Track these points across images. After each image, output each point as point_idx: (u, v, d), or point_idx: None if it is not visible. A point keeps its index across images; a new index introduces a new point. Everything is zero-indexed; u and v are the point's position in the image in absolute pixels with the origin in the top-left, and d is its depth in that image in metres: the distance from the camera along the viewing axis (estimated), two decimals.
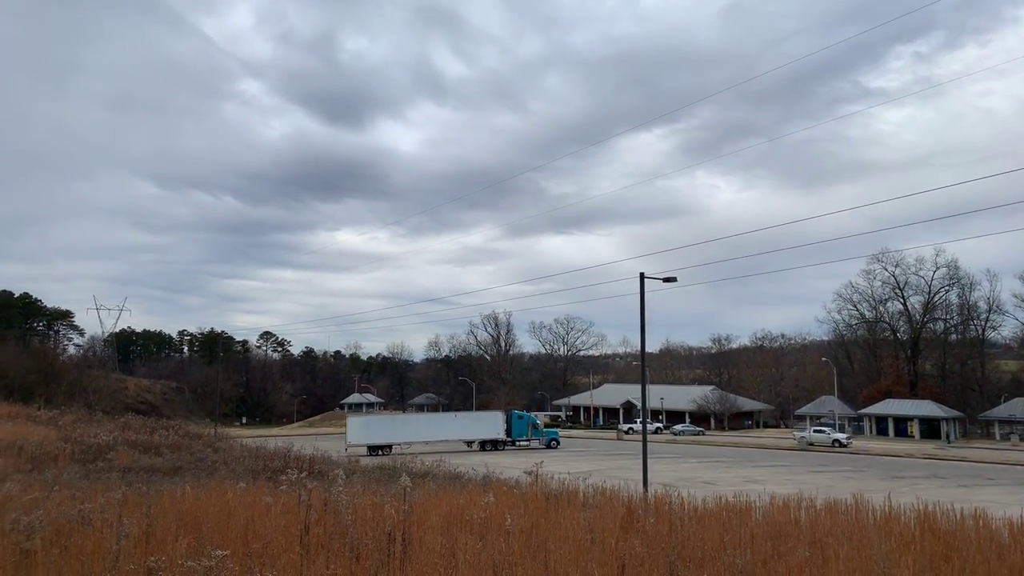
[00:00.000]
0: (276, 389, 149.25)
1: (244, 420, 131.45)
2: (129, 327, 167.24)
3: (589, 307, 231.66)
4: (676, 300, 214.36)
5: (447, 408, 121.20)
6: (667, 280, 31.51)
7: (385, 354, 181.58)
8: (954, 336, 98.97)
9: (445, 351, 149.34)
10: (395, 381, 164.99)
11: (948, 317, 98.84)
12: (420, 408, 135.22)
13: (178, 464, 27.60)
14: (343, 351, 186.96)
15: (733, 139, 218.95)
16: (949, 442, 61.95)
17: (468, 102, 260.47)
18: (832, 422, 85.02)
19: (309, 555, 9.53)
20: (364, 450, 55.22)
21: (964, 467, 49.72)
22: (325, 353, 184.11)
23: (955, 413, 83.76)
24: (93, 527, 10.64)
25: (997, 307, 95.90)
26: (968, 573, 7.91)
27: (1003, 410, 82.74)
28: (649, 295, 30.69)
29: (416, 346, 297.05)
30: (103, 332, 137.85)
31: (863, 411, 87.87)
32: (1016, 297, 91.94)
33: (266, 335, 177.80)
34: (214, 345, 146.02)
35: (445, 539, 9.75)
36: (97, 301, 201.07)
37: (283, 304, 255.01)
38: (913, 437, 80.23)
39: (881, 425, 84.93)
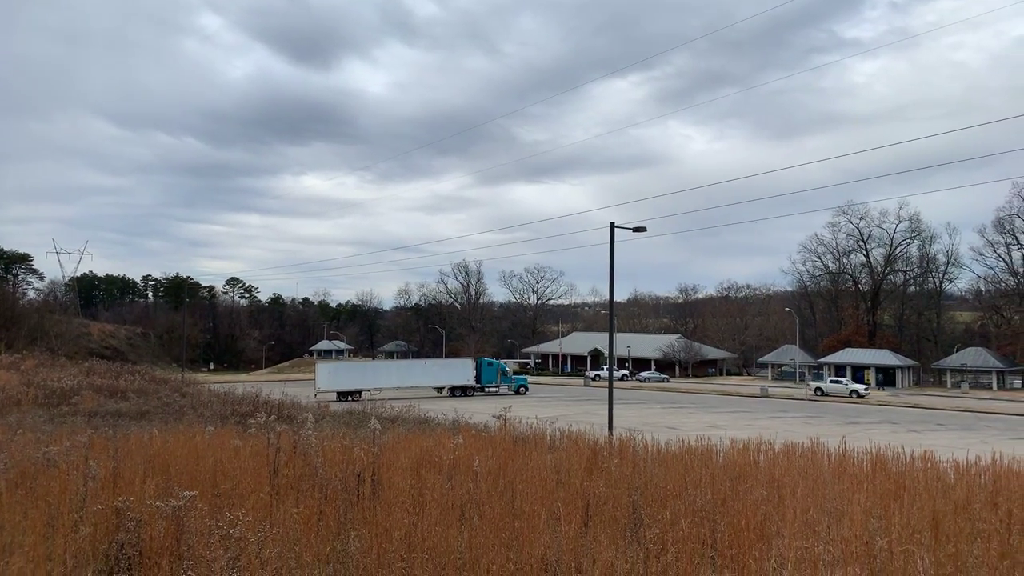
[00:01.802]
0: (244, 335, 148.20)
1: (211, 366, 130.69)
2: (91, 271, 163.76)
3: (560, 257, 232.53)
4: (645, 251, 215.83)
5: (417, 356, 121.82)
6: (637, 230, 31.67)
7: (354, 301, 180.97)
8: (913, 288, 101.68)
9: (415, 299, 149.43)
10: (364, 328, 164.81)
11: (908, 269, 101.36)
12: (390, 355, 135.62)
13: (145, 409, 27.45)
14: (311, 298, 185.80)
15: (707, 88, 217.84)
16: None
17: (439, 43, 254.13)
18: (793, 370, 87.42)
19: (279, 495, 9.62)
20: (333, 396, 55.41)
21: (915, 413, 51.71)
22: (293, 300, 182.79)
23: (910, 362, 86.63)
24: (59, 469, 10.58)
25: (955, 260, 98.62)
26: (916, 509, 8.29)
27: (955, 359, 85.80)
28: (619, 245, 30.88)
29: (386, 294, 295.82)
30: (63, 276, 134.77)
31: (823, 360, 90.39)
32: (973, 251, 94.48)
33: (233, 281, 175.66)
34: (180, 290, 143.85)
35: (414, 480, 9.91)
36: (56, 244, 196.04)
37: (249, 250, 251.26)
38: (869, 385, 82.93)
39: (839, 373, 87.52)
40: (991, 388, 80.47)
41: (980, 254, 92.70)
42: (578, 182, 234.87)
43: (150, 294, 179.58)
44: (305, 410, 22.95)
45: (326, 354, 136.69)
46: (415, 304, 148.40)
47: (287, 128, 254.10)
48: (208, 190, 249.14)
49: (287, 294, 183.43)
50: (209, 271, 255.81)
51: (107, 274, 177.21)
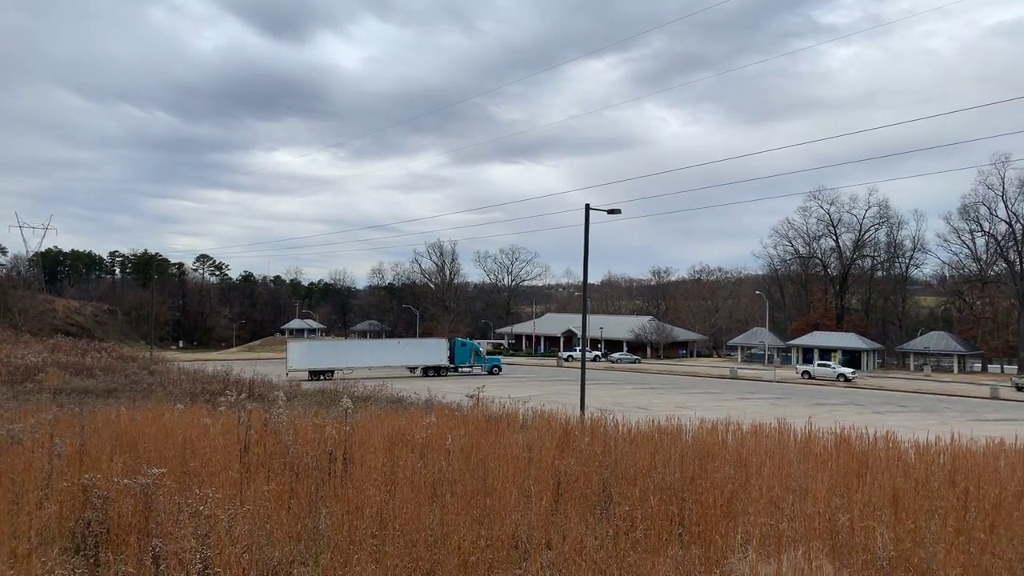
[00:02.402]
0: (214, 313, 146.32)
1: (181, 344, 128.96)
2: (55, 247, 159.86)
3: (534, 238, 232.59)
4: (619, 233, 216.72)
5: (390, 335, 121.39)
6: (611, 212, 31.78)
7: (327, 280, 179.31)
8: (880, 273, 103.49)
9: (389, 279, 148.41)
10: (337, 307, 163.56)
11: (876, 254, 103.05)
12: (363, 335, 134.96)
13: (112, 386, 27.06)
14: (283, 276, 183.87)
15: (683, 71, 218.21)
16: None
17: (414, 19, 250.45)
18: (763, 352, 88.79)
19: (249, 473, 9.58)
20: (305, 375, 55.08)
21: (880, 395, 52.92)
22: (265, 278, 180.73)
23: (876, 345, 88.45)
24: (24, 447, 10.42)
25: (921, 246, 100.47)
26: (877, 487, 8.52)
27: (919, 343, 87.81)
28: (594, 227, 30.98)
29: (359, 273, 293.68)
30: (27, 251, 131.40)
31: (791, 342, 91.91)
32: (939, 237, 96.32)
33: (203, 258, 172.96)
34: (148, 267, 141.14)
35: (386, 458, 9.92)
36: (20, 219, 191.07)
37: (220, 226, 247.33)
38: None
39: (807, 356, 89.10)
40: (952, 371, 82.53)
41: (945, 240, 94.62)
42: (554, 163, 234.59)
43: (117, 270, 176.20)
44: (276, 389, 22.80)
45: (298, 333, 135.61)
46: (389, 284, 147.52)
47: (259, 103, 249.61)
48: (178, 165, 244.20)
49: (258, 272, 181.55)
50: (178, 248, 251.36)
51: (73, 250, 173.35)
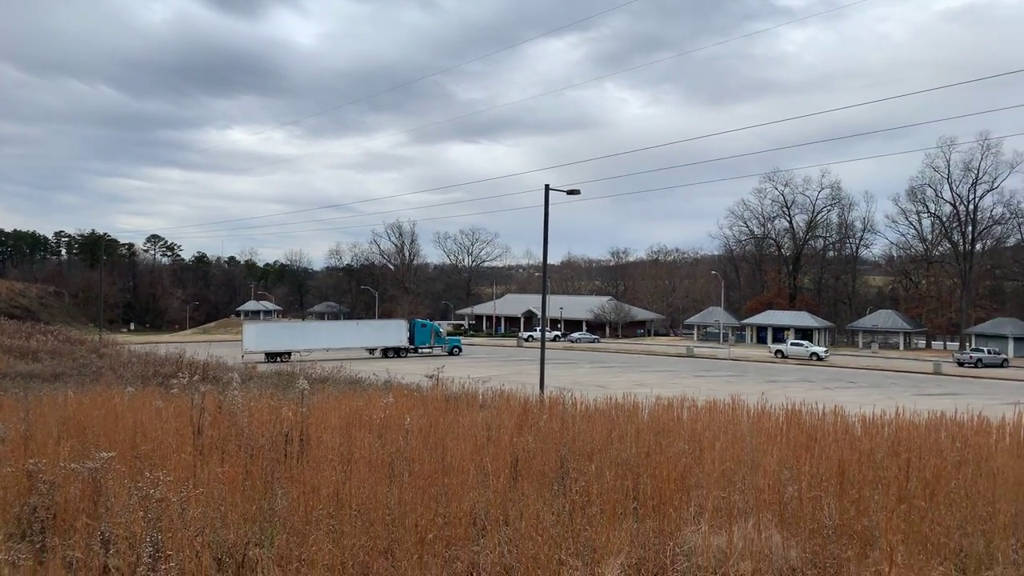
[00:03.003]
0: (166, 295, 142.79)
1: (132, 326, 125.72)
2: None
3: (495, 218, 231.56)
4: (579, 214, 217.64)
5: (349, 317, 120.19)
6: (571, 192, 31.90)
7: (283, 261, 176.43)
8: (832, 253, 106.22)
9: (347, 260, 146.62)
10: (294, 289, 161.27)
11: (828, 235, 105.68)
12: (320, 317, 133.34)
13: (59, 370, 26.30)
14: (238, 257, 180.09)
15: (644, 52, 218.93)
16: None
17: None
18: (718, 331, 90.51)
19: (203, 456, 9.42)
20: (262, 357, 54.29)
21: (830, 372, 54.53)
22: (219, 259, 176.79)
23: (827, 323, 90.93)
24: None
25: (871, 227, 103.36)
26: (824, 459, 8.80)
27: (867, 321, 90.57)
28: (554, 208, 31.07)
29: (316, 254, 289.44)
30: None
31: (746, 321, 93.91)
32: (888, 218, 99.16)
33: (154, 238, 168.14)
34: (96, 248, 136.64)
35: (343, 438, 9.86)
36: None
37: (171, 206, 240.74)
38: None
39: (761, 334, 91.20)
40: (899, 348, 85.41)
41: (894, 221, 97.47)
42: (514, 143, 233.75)
43: (63, 251, 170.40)
44: (231, 371, 22.43)
45: (254, 315, 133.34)
46: (347, 265, 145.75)
47: (211, 79, 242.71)
48: (126, 142, 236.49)
49: (212, 253, 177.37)
50: (128, 228, 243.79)
51: (15, 229, 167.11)
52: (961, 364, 62.91)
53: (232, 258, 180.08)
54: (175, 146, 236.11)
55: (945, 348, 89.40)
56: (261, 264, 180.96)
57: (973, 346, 72.96)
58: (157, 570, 5.67)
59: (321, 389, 19.10)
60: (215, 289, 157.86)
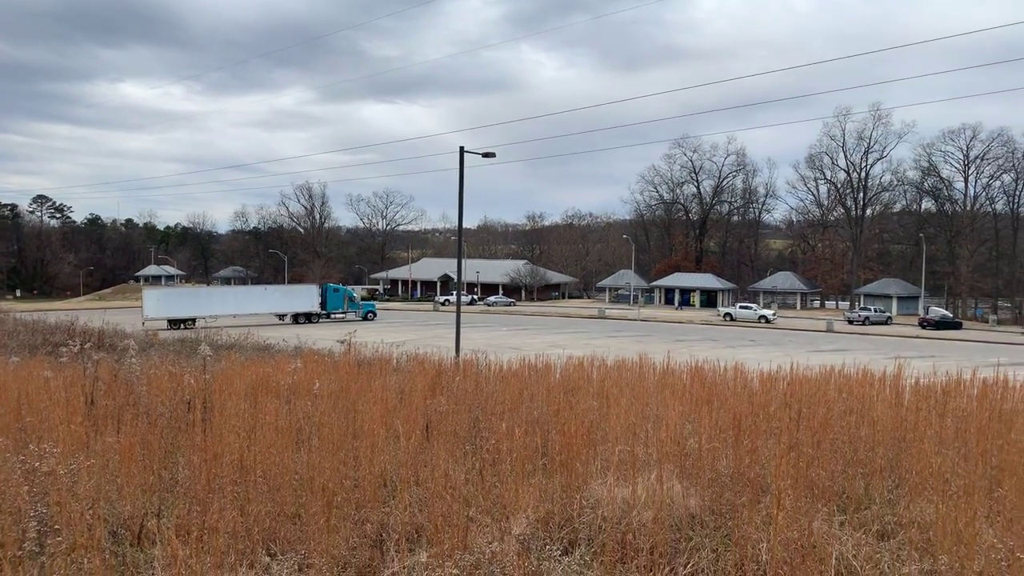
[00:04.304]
0: (56, 259, 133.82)
1: (18, 293, 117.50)
2: None
3: (409, 181, 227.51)
4: (496, 178, 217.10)
5: (257, 282, 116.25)
6: (486, 155, 31.71)
7: (185, 224, 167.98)
8: (736, 217, 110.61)
9: (253, 222, 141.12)
10: (197, 253, 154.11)
11: (732, 200, 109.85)
12: (227, 282, 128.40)
13: None
14: (136, 219, 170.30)
15: (560, 14, 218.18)
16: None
17: None
18: (628, 293, 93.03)
19: (96, 427, 8.97)
20: (164, 324, 51.95)
21: (733, 331, 57.15)
22: (115, 221, 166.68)
23: (730, 285, 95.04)
24: None
25: (772, 192, 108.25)
26: (723, 411, 9.25)
27: (767, 282, 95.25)
28: (470, 172, 30.84)
29: (220, 216, 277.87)
30: None
31: (655, 283, 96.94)
32: (788, 184, 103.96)
33: (40, 199, 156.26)
34: None
35: (248, 405, 9.59)
36: None
37: (60, 164, 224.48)
38: (694, 306, 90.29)
39: (669, 296, 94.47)
40: (796, 308, 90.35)
41: (794, 188, 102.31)
42: (429, 103, 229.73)
43: None
44: (129, 338, 21.32)
45: (155, 280, 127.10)
46: (254, 228, 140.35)
47: (99, 27, 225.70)
48: (6, 94, 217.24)
49: (107, 215, 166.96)
50: (10, 187, 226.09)
51: None
52: (851, 322, 67.25)
53: (129, 220, 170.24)
54: (62, 100, 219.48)
55: (837, 307, 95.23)
56: (161, 227, 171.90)
57: (862, 305, 78.05)
58: (44, 545, 5.38)
59: (227, 356, 18.45)
60: (111, 253, 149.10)
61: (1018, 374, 14.14)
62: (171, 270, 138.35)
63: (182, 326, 51.82)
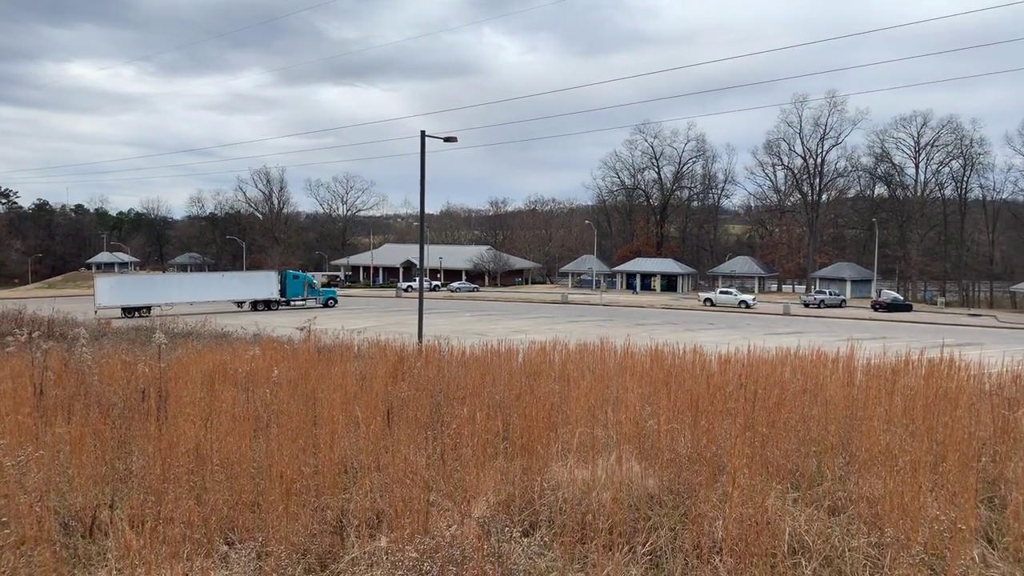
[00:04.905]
0: (3, 246, 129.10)
1: None
2: None
3: (370, 166, 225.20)
4: (458, 163, 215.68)
5: (214, 269, 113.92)
6: (447, 140, 31.50)
7: (139, 209, 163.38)
8: (696, 203, 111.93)
9: (210, 208, 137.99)
10: (152, 239, 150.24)
11: (692, 186, 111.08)
12: (183, 269, 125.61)
13: None
14: (87, 205, 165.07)
15: None
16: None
17: None
18: (591, 278, 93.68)
19: (46, 418, 8.73)
20: (118, 312, 50.63)
21: (693, 315, 58.00)
22: (64, 207, 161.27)
23: (690, 269, 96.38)
24: None
25: (731, 178, 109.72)
26: (682, 392, 9.40)
27: (726, 267, 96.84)
28: (432, 157, 30.65)
29: (176, 202, 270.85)
30: None
31: (616, 268, 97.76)
32: (747, 170, 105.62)
33: None
34: None
35: (206, 393, 9.43)
36: None
37: (4, 147, 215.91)
38: (655, 291, 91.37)
39: (630, 281, 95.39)
40: (754, 292, 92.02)
41: (752, 173, 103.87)
42: (390, 87, 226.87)
43: None
44: (79, 326, 20.72)
45: (108, 267, 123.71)
46: (210, 213, 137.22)
47: (45, 5, 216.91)
48: None
49: (55, 200, 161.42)
50: None
51: None
52: (807, 305, 68.75)
53: (80, 206, 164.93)
54: (6, 80, 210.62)
55: (794, 291, 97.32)
56: (114, 212, 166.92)
57: (817, 289, 79.88)
58: None
59: (183, 344, 18.09)
60: (61, 240, 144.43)
61: (964, 354, 14.65)
62: (125, 257, 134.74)
63: (137, 314, 50.59)
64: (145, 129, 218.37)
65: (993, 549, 5.81)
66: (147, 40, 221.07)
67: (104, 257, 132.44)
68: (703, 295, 72.62)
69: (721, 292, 71.54)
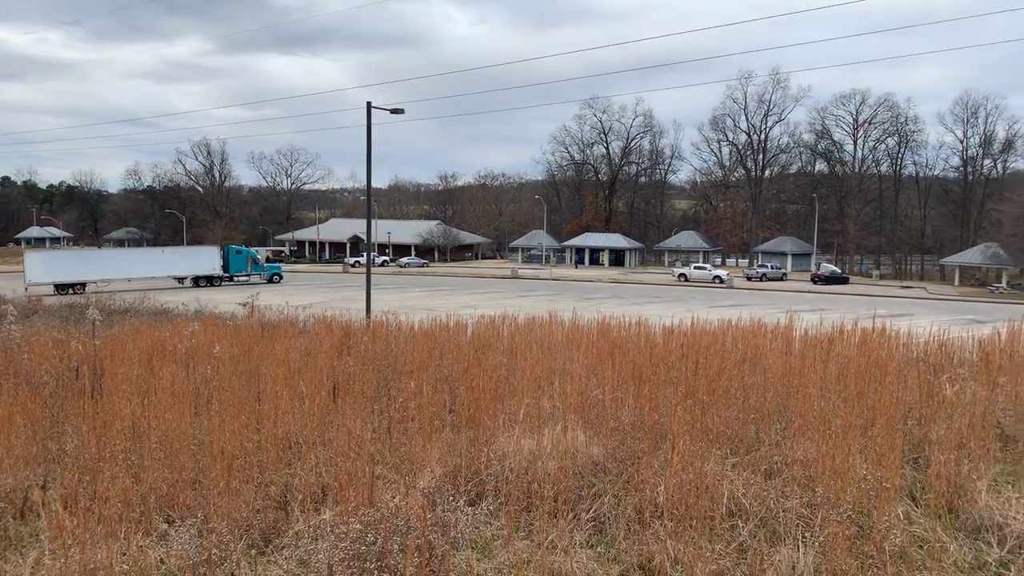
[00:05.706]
0: None
1: None
2: None
3: (315, 138, 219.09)
4: (407, 136, 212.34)
5: (153, 244, 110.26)
6: (394, 111, 30.98)
7: (71, 182, 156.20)
8: (643, 178, 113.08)
9: (147, 181, 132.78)
10: (86, 214, 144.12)
11: (640, 161, 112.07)
12: (120, 244, 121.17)
13: None
14: (13, 177, 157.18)
15: None
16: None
17: None
18: (540, 253, 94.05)
19: None
20: (50, 290, 48.65)
21: (640, 288, 58.91)
22: None
23: (637, 244, 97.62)
24: None
25: (678, 154, 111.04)
26: (626, 363, 9.56)
27: (672, 241, 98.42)
28: (380, 130, 30.15)
29: (111, 174, 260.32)
30: None
31: (566, 243, 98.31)
32: (693, 145, 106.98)
33: None
34: None
35: (143, 370, 9.17)
36: None
37: None
38: (603, 265, 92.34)
39: (579, 255, 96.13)
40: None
41: (698, 149, 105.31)
42: (335, 57, 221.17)
43: None
44: (7, 303, 19.81)
45: (38, 242, 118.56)
46: (148, 186, 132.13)
47: None
48: None
49: None
50: None
51: None
52: (749, 279, 70.52)
53: (6, 178, 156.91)
54: None
55: (737, 264, 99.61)
56: (43, 185, 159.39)
57: (759, 262, 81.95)
58: None
59: (120, 321, 17.50)
60: None
61: (895, 324, 15.28)
62: (57, 232, 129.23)
63: (70, 291, 48.69)
64: (75, 97, 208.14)
65: (917, 506, 6.12)
66: (75, 3, 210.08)
67: (34, 232, 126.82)
68: (677, 270, 72.81)
69: (696, 267, 71.90)
